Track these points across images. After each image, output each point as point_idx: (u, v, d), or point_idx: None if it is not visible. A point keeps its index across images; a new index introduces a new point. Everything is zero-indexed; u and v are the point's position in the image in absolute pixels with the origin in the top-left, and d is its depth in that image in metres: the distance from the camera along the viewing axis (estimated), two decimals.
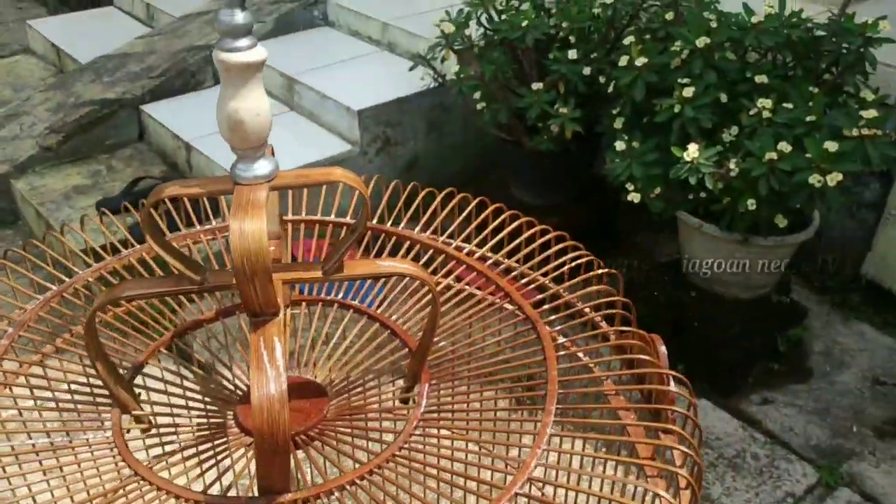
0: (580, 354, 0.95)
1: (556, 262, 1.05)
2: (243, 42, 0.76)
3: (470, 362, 0.98)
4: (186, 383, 1.00)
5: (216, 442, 0.91)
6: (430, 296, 0.89)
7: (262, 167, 0.81)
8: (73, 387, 0.96)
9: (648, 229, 2.51)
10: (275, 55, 3.13)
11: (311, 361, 1.04)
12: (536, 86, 2.25)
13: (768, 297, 2.17)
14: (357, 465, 0.84)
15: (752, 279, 2.09)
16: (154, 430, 0.92)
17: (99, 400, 0.94)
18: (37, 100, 3.23)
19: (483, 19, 2.42)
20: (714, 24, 2.03)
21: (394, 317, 1.06)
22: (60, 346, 1.03)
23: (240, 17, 0.75)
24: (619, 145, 2.02)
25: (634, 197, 1.99)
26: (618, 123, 2.10)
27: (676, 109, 1.94)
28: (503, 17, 2.37)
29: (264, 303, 0.79)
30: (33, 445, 0.89)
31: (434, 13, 2.91)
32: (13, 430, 0.89)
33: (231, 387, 1.03)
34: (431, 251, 1.12)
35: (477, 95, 2.34)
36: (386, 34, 3.06)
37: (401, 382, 0.97)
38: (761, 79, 1.97)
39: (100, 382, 0.95)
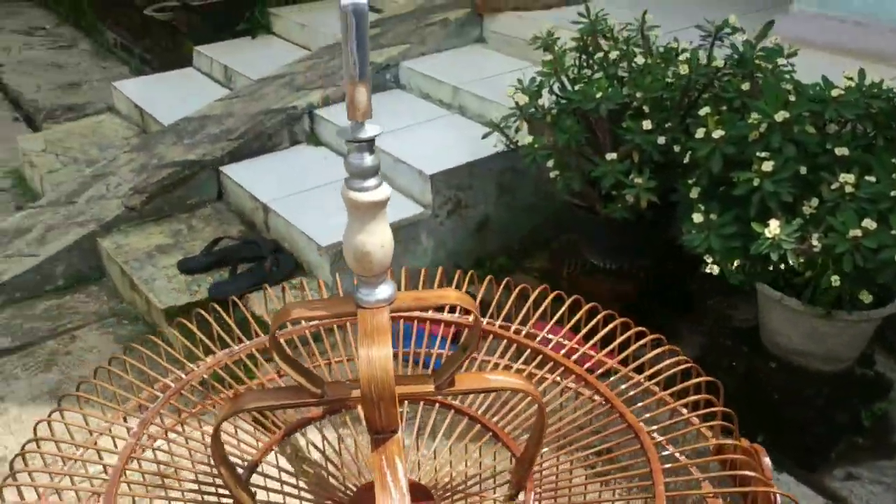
0: (687, 466, 0.96)
1: (655, 369, 1.06)
2: (371, 182, 0.81)
3: (572, 470, 1.00)
4: (295, 480, 1.04)
5: None
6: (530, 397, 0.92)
7: (383, 291, 0.85)
8: (193, 485, 1.01)
9: (724, 294, 2.49)
10: None
11: (417, 461, 1.07)
12: (610, 156, 2.27)
13: (851, 369, 2.13)
14: None
15: (835, 352, 2.06)
16: None
17: (223, 501, 0.99)
18: (122, 160, 3.39)
19: (555, 87, 2.46)
20: (792, 97, 2.03)
21: (495, 418, 1.09)
22: (175, 442, 1.09)
23: (369, 160, 0.80)
24: (697, 217, 2.02)
25: (713, 269, 1.99)
26: (694, 193, 2.11)
27: (755, 183, 1.94)
28: (576, 86, 2.41)
29: (387, 423, 0.83)
30: None
31: (501, 77, 2.98)
32: None
33: (338, 484, 1.06)
34: (529, 350, 1.15)
35: (550, 164, 2.37)
36: (456, 98, 3.14)
37: (505, 488, 1.00)
38: (842, 151, 1.96)
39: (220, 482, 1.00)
